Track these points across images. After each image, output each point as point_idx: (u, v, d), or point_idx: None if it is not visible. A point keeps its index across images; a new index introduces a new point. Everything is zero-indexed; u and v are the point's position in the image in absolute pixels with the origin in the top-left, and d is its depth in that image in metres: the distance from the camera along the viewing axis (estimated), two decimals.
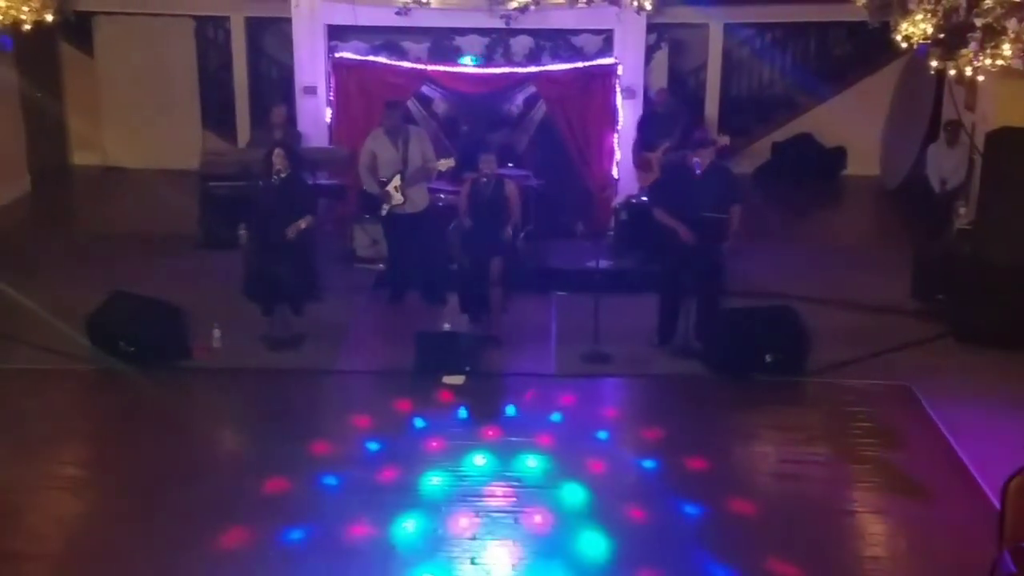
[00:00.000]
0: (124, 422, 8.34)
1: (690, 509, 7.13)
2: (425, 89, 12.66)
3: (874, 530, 7.04)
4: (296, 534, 6.77)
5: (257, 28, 14.73)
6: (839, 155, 15.67)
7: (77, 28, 14.33)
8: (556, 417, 8.45)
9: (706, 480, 7.52)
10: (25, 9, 11.30)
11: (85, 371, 9.05)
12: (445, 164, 10.31)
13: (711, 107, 15.00)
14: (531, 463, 7.70)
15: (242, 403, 8.74)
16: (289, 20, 12.84)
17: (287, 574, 6.43)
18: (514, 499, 7.24)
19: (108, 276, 10.17)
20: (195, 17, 14.81)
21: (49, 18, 11.91)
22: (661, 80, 14.49)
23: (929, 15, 9.13)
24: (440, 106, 13.02)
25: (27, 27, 11.44)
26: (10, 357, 9.15)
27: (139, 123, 14.76)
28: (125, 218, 13.04)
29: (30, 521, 6.94)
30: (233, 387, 8.91)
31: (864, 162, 15.43)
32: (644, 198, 11.14)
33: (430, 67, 12.53)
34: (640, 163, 12.31)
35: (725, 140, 9.94)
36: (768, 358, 8.96)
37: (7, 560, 6.49)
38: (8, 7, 10.98)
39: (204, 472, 7.57)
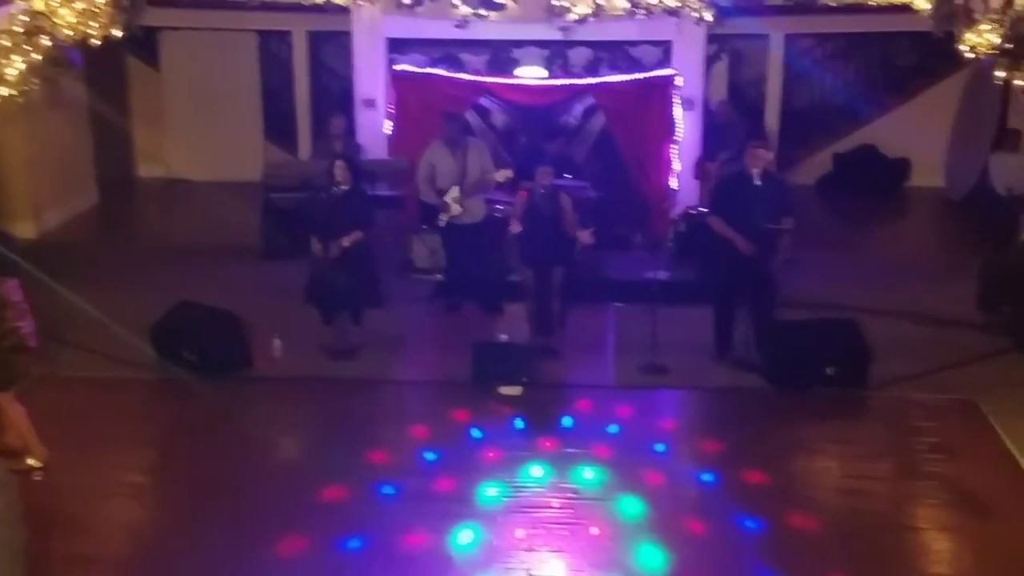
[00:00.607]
0: (187, 430, 8.45)
1: (749, 523, 7.07)
2: (483, 101, 12.71)
3: (938, 547, 6.92)
4: (353, 542, 6.82)
5: (318, 42, 14.89)
6: (903, 166, 15.43)
7: (144, 43, 14.57)
8: (613, 429, 8.42)
9: (766, 494, 7.44)
10: (94, 24, 11.53)
11: (149, 379, 9.21)
12: (503, 175, 10.35)
13: (771, 118, 14.86)
14: (588, 475, 7.69)
15: (301, 412, 8.82)
16: (350, 33, 12.97)
17: None
18: (571, 510, 7.23)
19: (172, 286, 10.31)
20: (258, 32, 15.01)
21: (117, 33, 12.15)
22: (720, 91, 14.41)
23: (995, 25, 8.98)
24: (498, 118, 13.06)
25: (95, 42, 11.68)
26: (77, 365, 9.32)
27: (202, 135, 14.96)
28: (188, 229, 13.22)
29: (95, 525, 7.08)
30: (292, 396, 9.00)
31: (928, 173, 15.18)
32: (704, 208, 11.09)
33: (488, 79, 12.59)
34: (699, 173, 12.25)
35: (769, 155, 9.87)
36: (829, 371, 8.86)
37: (73, 563, 6.63)
38: (78, 22, 11.20)
39: (263, 479, 7.66)
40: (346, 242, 9.27)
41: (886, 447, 8.13)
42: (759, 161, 9.07)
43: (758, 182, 9.04)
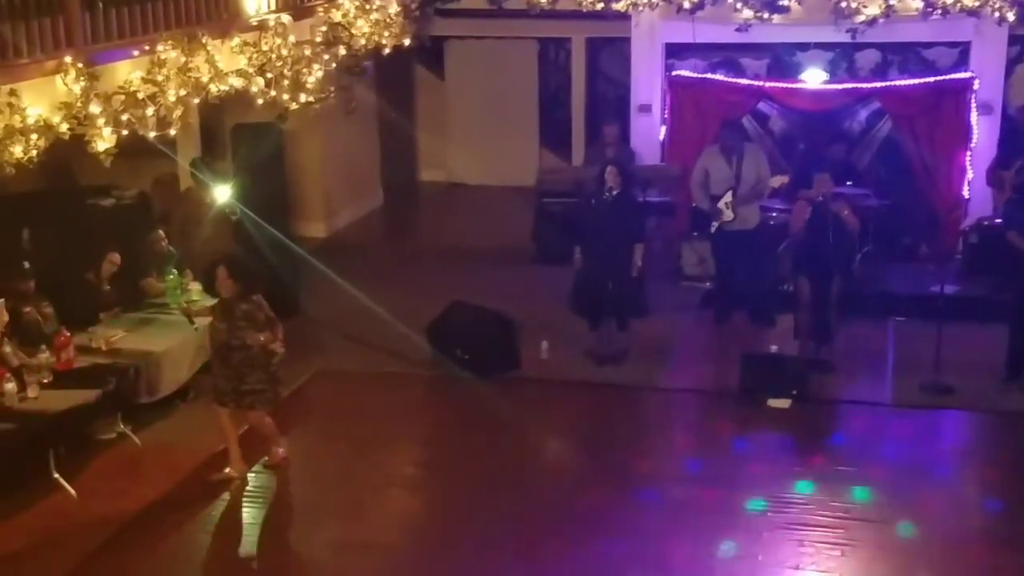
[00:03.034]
0: (458, 426, 8.70)
1: None
2: (762, 106, 12.41)
3: None
4: (615, 547, 6.79)
5: (596, 48, 15.00)
6: None
7: (431, 52, 15.18)
8: (890, 449, 8.00)
9: None
10: (386, 34, 12.13)
11: (424, 376, 9.52)
12: (779, 181, 10.07)
13: None
14: (861, 495, 7.33)
15: (567, 415, 8.88)
16: (628, 40, 12.99)
17: None
18: (842, 531, 6.92)
19: (447, 286, 10.65)
20: (538, 39, 15.29)
21: (407, 42, 12.73)
22: (1022, 95, 13.39)
23: None
24: (777, 123, 12.71)
25: (387, 51, 12.27)
26: (359, 360, 9.77)
27: (482, 141, 15.38)
28: (465, 232, 13.62)
29: (370, 514, 7.39)
30: (558, 399, 9.07)
31: None
32: (999, 220, 10.36)
33: (768, 84, 12.28)
34: (993, 181, 11.46)
35: None
36: None
37: (348, 549, 6.94)
38: (372, 32, 11.82)
39: (529, 479, 7.77)
40: (640, 259, 9.30)
41: None
42: None
43: None
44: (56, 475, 7.37)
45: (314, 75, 10.36)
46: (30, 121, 6.96)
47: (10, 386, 7.38)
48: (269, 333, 7.38)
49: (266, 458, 7.88)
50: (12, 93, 6.85)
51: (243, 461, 7.72)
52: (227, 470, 7.66)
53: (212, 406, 7.69)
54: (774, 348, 9.23)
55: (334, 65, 10.99)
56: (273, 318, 7.47)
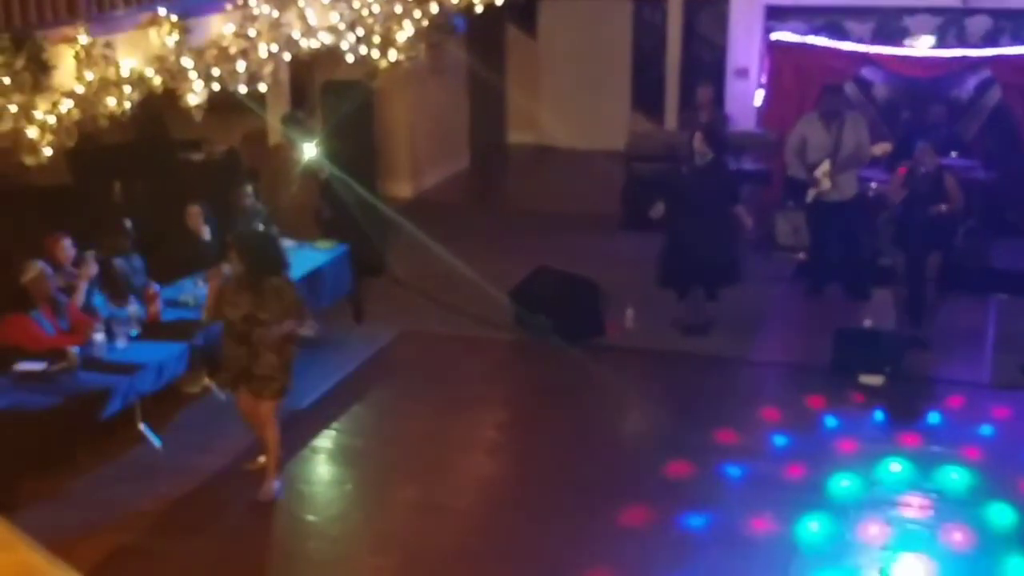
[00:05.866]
0: (540, 392, 8.62)
1: None
2: (865, 72, 12.01)
3: None
4: (696, 520, 6.67)
5: (693, 9, 14.66)
6: None
7: (523, 10, 14.98)
8: (987, 430, 7.73)
9: None
10: None
11: (508, 340, 9.43)
12: (880, 148, 9.74)
13: None
14: (954, 476, 7.09)
15: (650, 384, 8.72)
16: (727, 1, 12.66)
17: (685, 559, 6.34)
18: (932, 512, 6.72)
19: (532, 250, 10.55)
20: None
21: (499, 1, 12.54)
22: None
23: None
24: (880, 90, 12.30)
25: (479, 9, 12.11)
26: (443, 322, 9.72)
27: (572, 104, 15.18)
28: (552, 195, 13.46)
29: (453, 477, 7.36)
30: (643, 368, 8.93)
31: None
32: None
33: (872, 49, 11.86)
34: None
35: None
36: None
37: (433, 511, 6.91)
38: None
39: (610, 447, 7.67)
40: (748, 220, 9.09)
41: None
42: None
43: None
44: (142, 426, 7.47)
45: (404, 32, 10.26)
46: (124, 73, 7.00)
47: (99, 337, 7.48)
48: (293, 320, 6.71)
49: (261, 493, 6.93)
50: (107, 45, 6.88)
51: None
52: (261, 459, 7.14)
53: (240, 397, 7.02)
54: (868, 323, 8.94)
55: (425, 22, 10.87)
56: (299, 300, 6.86)
